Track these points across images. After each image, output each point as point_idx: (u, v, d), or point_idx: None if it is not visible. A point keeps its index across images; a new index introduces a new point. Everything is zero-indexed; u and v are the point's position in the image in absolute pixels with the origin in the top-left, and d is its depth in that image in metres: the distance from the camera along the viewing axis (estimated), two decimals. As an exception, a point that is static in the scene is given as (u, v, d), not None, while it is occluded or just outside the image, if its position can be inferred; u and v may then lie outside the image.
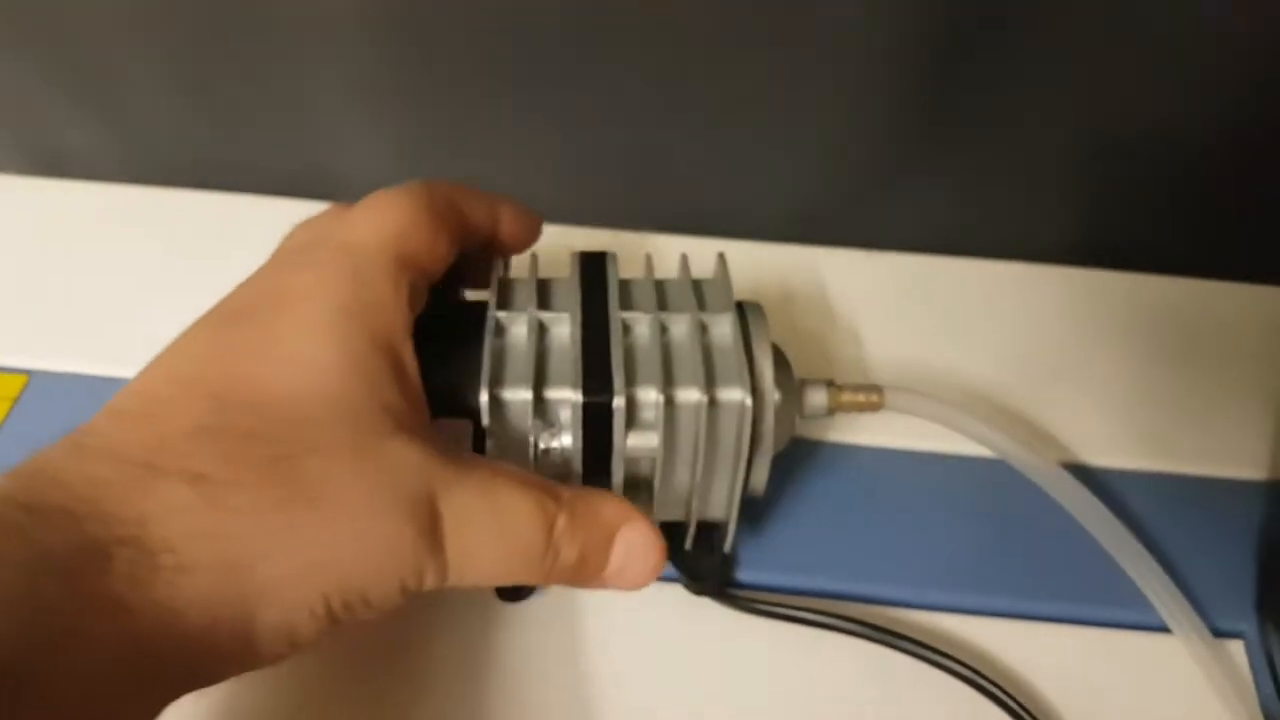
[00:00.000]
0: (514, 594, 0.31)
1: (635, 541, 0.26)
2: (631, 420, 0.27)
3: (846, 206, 0.44)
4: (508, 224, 0.30)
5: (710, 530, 0.31)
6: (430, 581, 0.23)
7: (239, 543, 0.21)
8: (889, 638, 0.30)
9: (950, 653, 0.30)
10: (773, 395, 0.28)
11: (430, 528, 0.23)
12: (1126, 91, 0.40)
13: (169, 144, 0.46)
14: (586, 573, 0.26)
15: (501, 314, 0.28)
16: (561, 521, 0.25)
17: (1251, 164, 0.41)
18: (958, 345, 0.39)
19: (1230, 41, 0.37)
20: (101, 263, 0.41)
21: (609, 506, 0.26)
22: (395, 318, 0.25)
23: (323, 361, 0.24)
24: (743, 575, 0.33)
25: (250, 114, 0.44)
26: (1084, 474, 0.34)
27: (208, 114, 0.45)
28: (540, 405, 0.27)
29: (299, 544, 0.21)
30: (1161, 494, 0.35)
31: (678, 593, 0.31)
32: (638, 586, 0.27)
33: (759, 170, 0.44)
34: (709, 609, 0.31)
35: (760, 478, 0.29)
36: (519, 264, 0.31)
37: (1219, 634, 0.31)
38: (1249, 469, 0.36)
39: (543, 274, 0.30)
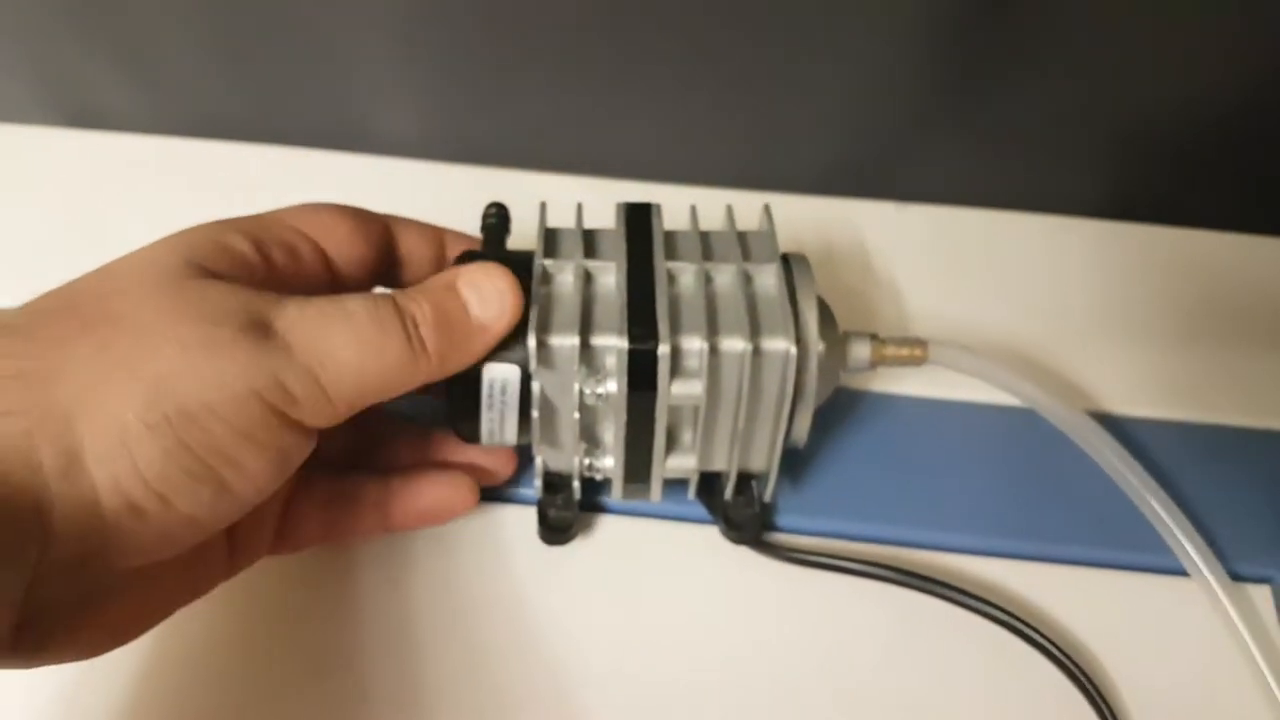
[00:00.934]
0: (556, 536, 0.31)
1: (477, 275, 0.27)
2: (676, 368, 0.27)
3: (881, 159, 0.44)
4: (454, 247, 0.31)
5: (750, 480, 0.32)
6: (297, 387, 0.23)
7: (43, 360, 0.22)
8: (921, 582, 0.31)
9: (980, 594, 0.30)
10: (817, 346, 0.29)
11: (259, 329, 0.23)
12: (1159, 43, 0.39)
13: (202, 98, 0.46)
14: (455, 326, 0.26)
15: (548, 262, 0.29)
16: (402, 296, 0.26)
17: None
18: (991, 296, 0.40)
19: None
20: (136, 213, 0.41)
21: (435, 275, 0.27)
22: (222, 241, 0.26)
23: (134, 254, 0.25)
24: (779, 520, 0.33)
25: (283, 68, 0.44)
26: (1113, 423, 0.35)
27: (240, 68, 0.44)
28: (586, 352, 0.27)
29: (110, 355, 0.22)
30: (1191, 443, 0.35)
31: (716, 541, 0.32)
32: (501, 324, 0.27)
33: (794, 124, 0.44)
34: (746, 557, 0.32)
35: (802, 429, 0.30)
36: (564, 215, 0.31)
37: (1245, 579, 0.32)
38: (1278, 419, 0.36)
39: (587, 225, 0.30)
